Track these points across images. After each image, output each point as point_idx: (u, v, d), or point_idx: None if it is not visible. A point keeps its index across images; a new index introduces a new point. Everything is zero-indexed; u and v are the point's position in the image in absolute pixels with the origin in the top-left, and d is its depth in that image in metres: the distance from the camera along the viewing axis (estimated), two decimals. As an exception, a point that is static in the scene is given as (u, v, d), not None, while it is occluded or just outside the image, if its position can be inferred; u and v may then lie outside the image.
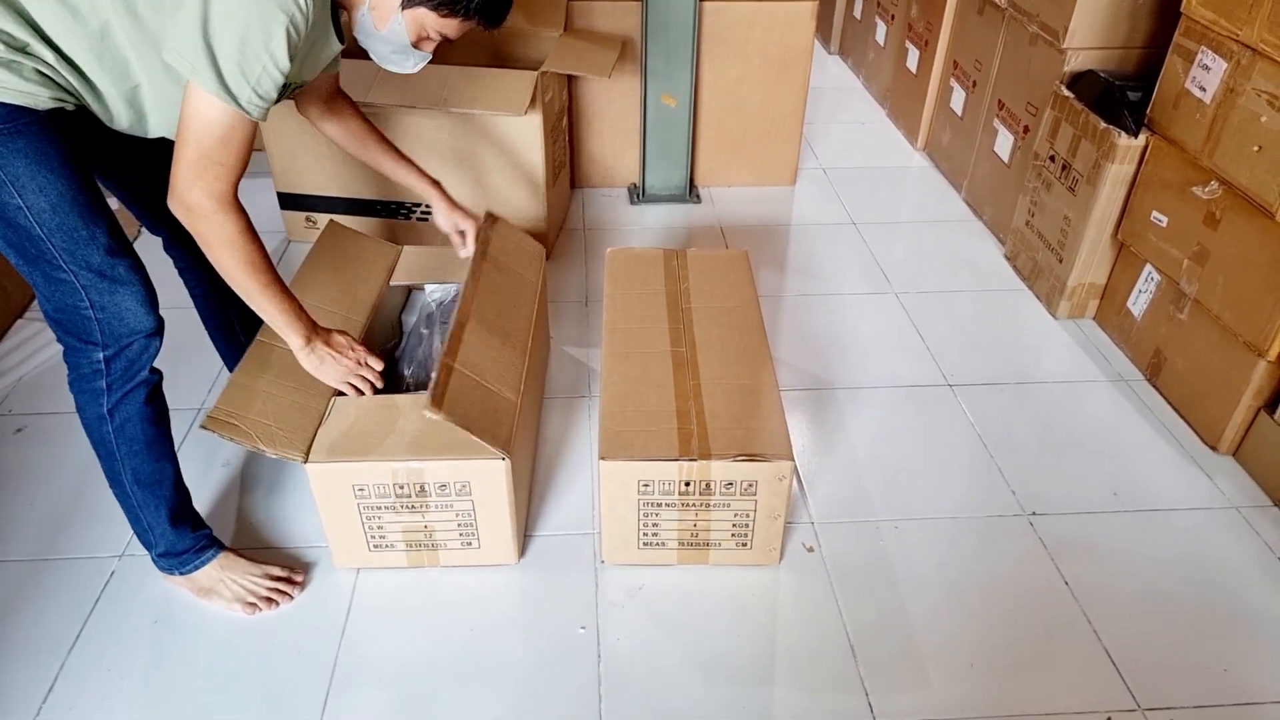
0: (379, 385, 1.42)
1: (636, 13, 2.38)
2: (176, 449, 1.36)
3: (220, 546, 1.41)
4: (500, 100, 2.04)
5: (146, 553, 1.40)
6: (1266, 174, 1.57)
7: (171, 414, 1.34)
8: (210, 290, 1.57)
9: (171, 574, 1.40)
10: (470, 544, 1.45)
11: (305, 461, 1.34)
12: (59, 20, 1.08)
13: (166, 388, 1.32)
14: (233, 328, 1.65)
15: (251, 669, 1.32)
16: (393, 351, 1.73)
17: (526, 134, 2.12)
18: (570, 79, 2.48)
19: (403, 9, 1.19)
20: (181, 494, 1.37)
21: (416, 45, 1.25)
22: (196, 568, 1.39)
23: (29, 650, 1.34)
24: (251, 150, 1.16)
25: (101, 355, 1.21)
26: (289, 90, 1.26)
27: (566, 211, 2.57)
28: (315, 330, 1.32)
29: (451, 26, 1.22)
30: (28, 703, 1.27)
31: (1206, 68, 1.71)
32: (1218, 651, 1.36)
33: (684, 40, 2.39)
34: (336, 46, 1.26)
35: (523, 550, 1.51)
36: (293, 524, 1.56)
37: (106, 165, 1.34)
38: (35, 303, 2.13)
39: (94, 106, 1.17)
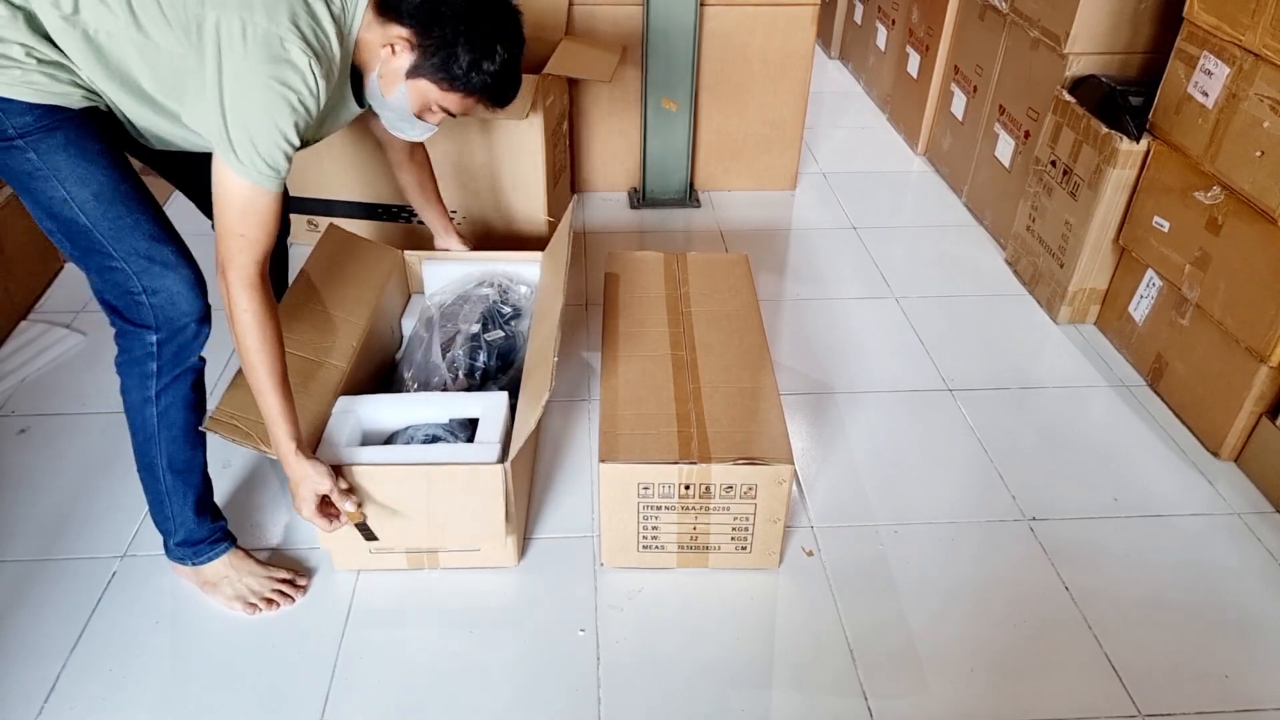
0: (352, 520, 1.34)
1: (637, 17, 2.39)
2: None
3: (232, 541, 1.42)
4: (502, 104, 2.04)
5: (161, 540, 1.40)
6: (1269, 179, 1.57)
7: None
8: None
9: (183, 563, 1.40)
10: (470, 546, 1.45)
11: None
12: (84, 58, 1.12)
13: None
14: None
15: (252, 670, 1.32)
16: (393, 355, 1.73)
17: (527, 138, 2.12)
18: (571, 83, 2.49)
19: (407, 78, 1.21)
20: (208, 484, 1.39)
21: (420, 116, 1.26)
22: (209, 559, 1.40)
23: (31, 650, 1.34)
24: (277, 225, 1.18)
25: (155, 339, 1.23)
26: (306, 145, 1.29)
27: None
28: (303, 446, 1.26)
29: (453, 102, 1.24)
30: (29, 703, 1.27)
31: (1209, 73, 1.71)
32: (1219, 657, 1.36)
33: (685, 44, 2.39)
34: (355, 110, 1.28)
35: (522, 553, 1.51)
36: (293, 527, 1.56)
37: (155, 159, 1.37)
38: (38, 304, 2.13)
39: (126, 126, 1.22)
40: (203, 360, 1.30)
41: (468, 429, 1.48)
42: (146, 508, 1.39)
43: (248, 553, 1.44)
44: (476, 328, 1.68)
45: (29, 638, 1.36)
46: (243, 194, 1.12)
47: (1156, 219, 1.86)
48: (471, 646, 1.36)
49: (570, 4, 2.36)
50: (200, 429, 1.32)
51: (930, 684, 1.32)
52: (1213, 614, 1.43)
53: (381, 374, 1.73)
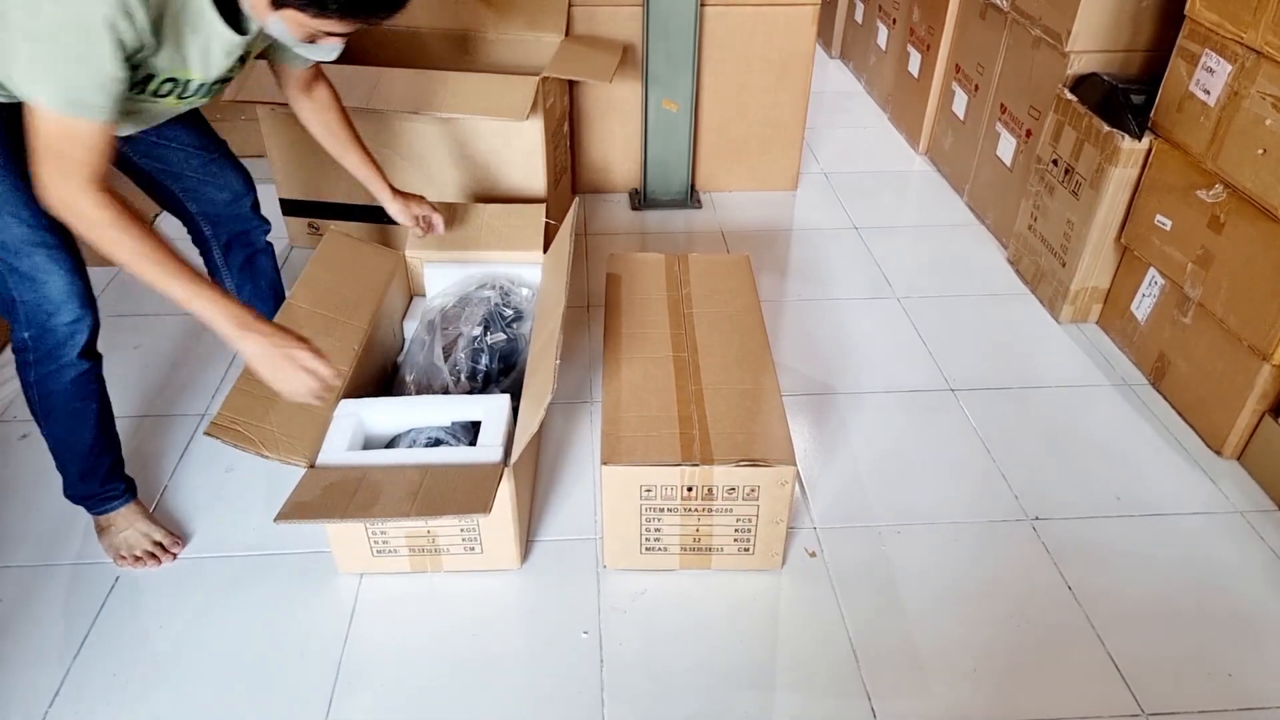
0: (331, 385, 1.27)
1: (638, 18, 2.38)
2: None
3: (127, 500, 1.49)
4: (501, 105, 2.04)
5: None
6: (1271, 177, 1.56)
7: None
8: (238, 282, 1.64)
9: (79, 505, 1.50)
10: (473, 549, 1.45)
11: (310, 467, 1.34)
12: None
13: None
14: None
15: (255, 674, 1.32)
16: (395, 358, 1.73)
17: (528, 139, 2.12)
18: (571, 84, 2.49)
19: (273, 9, 1.12)
20: (94, 457, 1.43)
21: (311, 41, 1.19)
22: (102, 512, 1.48)
23: (34, 655, 1.34)
24: (107, 154, 1.11)
25: (26, 335, 1.29)
26: (197, 88, 1.22)
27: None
28: (253, 321, 1.19)
29: (332, 24, 1.14)
30: (34, 708, 1.27)
31: (1211, 70, 1.70)
32: (1222, 656, 1.36)
33: (685, 45, 2.39)
34: (230, 35, 1.18)
35: (525, 555, 1.51)
36: (295, 529, 1.56)
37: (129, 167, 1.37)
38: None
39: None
40: (89, 360, 1.34)
41: (470, 432, 1.48)
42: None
43: (144, 512, 1.51)
44: (478, 330, 1.68)
45: (33, 643, 1.36)
46: (58, 125, 1.06)
47: (1158, 217, 1.86)
48: (474, 649, 1.36)
49: (570, 4, 2.36)
50: (84, 415, 1.37)
51: (933, 684, 1.31)
52: (1216, 613, 1.43)
53: (383, 377, 1.73)
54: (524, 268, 1.83)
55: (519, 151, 2.14)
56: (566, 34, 2.37)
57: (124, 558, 1.48)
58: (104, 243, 1.11)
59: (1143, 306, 1.95)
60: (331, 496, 1.31)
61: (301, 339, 1.22)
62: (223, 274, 1.63)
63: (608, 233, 2.51)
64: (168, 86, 1.19)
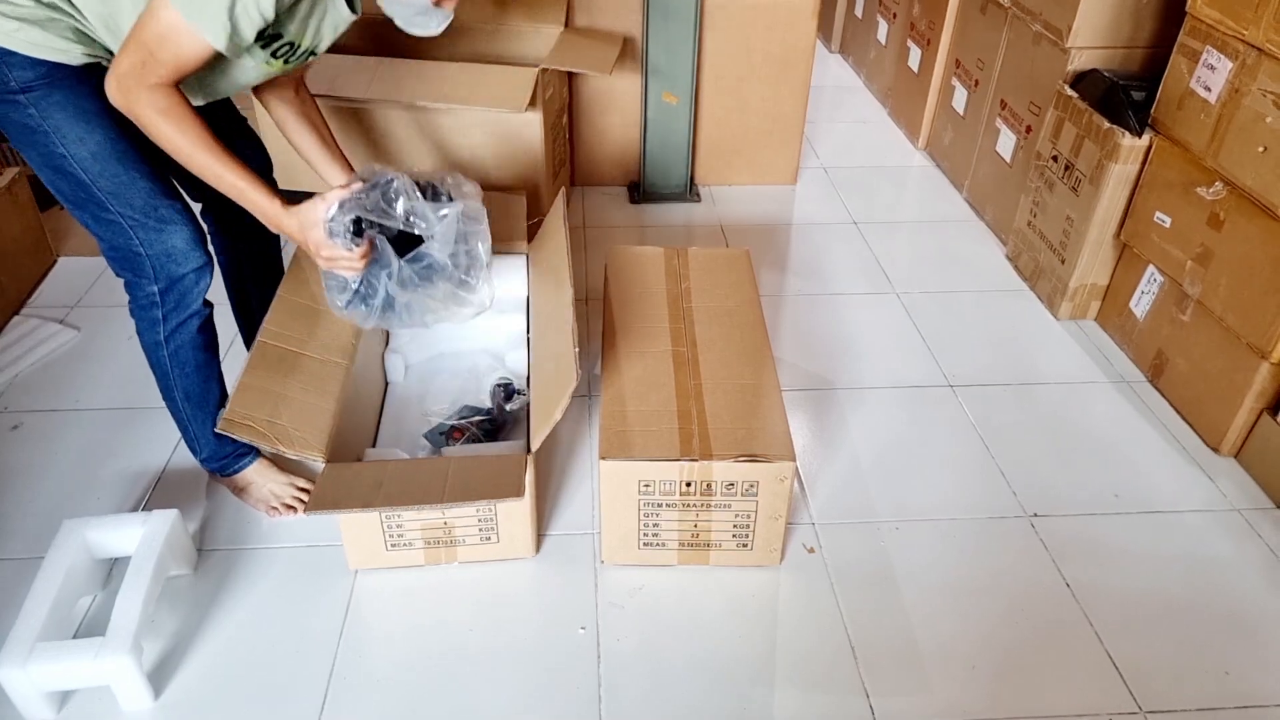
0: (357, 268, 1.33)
1: (638, 10, 2.37)
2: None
3: (257, 454, 1.54)
4: (500, 97, 2.03)
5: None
6: (1272, 175, 1.56)
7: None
8: (232, 263, 1.64)
9: (215, 474, 1.56)
10: (489, 538, 1.44)
11: (326, 461, 1.33)
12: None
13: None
14: (249, 305, 1.70)
15: (253, 663, 1.31)
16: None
17: (527, 131, 2.11)
18: (571, 76, 2.47)
19: None
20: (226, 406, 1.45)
21: (438, 4, 1.24)
22: (236, 470, 1.53)
23: (25, 649, 1.33)
24: (192, 68, 1.14)
25: (155, 289, 1.32)
26: (298, 55, 1.25)
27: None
28: (287, 219, 1.27)
29: None
30: (23, 702, 1.26)
31: (1212, 67, 1.70)
32: (1220, 654, 1.36)
33: (685, 38, 2.38)
34: (347, 15, 1.25)
35: (538, 546, 1.50)
36: (299, 521, 1.55)
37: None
38: (32, 299, 2.12)
39: None
40: (209, 305, 1.39)
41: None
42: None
43: (273, 460, 1.56)
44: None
45: (25, 635, 1.35)
46: (170, 26, 1.08)
47: (1158, 215, 1.86)
48: (471, 645, 1.35)
49: (569, -4, 2.35)
50: (211, 365, 1.43)
51: (931, 681, 1.31)
52: (1213, 610, 1.43)
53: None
54: (506, 259, 1.81)
55: (518, 143, 2.13)
56: (566, 25, 2.35)
57: (275, 509, 1.53)
58: (165, 134, 1.15)
59: (1141, 304, 1.95)
60: (357, 488, 1.31)
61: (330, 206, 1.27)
62: (230, 253, 1.63)
63: (606, 226, 2.50)
64: (285, 50, 1.23)
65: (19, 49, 1.14)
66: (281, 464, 1.57)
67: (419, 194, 1.34)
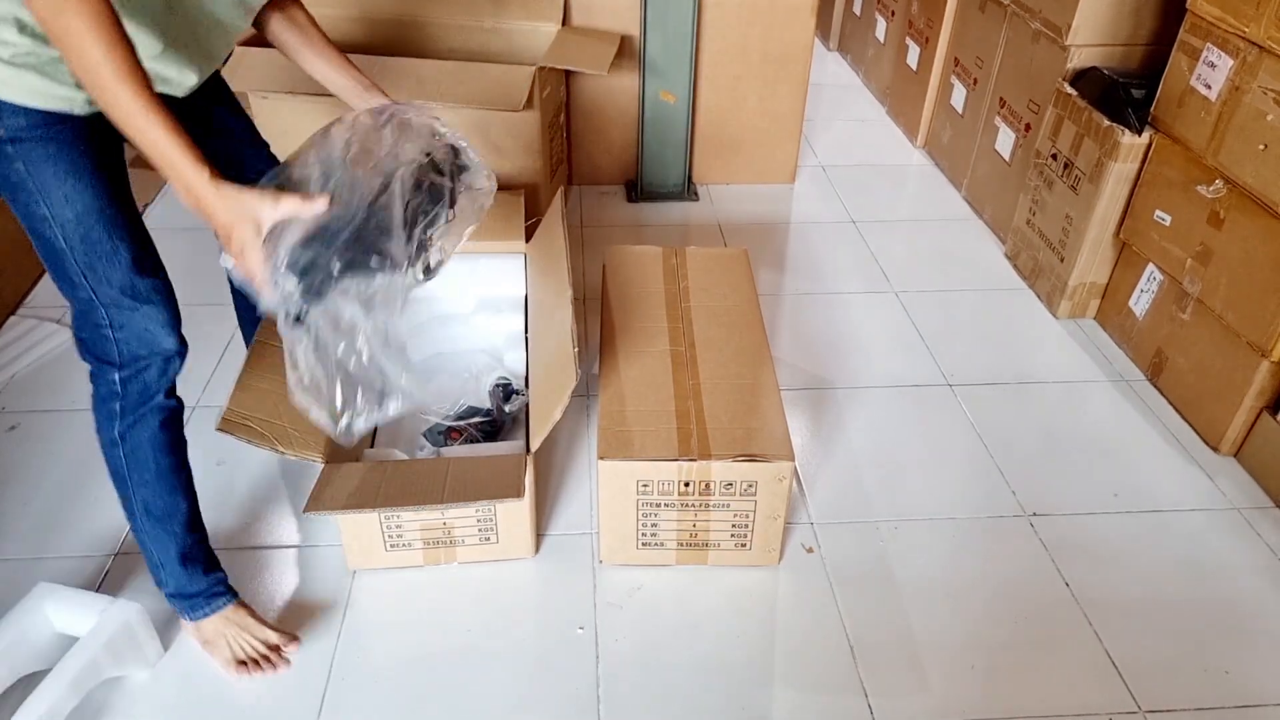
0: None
1: (635, 8, 2.36)
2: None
3: (232, 595, 1.31)
4: (498, 95, 2.02)
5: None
6: (1272, 173, 1.56)
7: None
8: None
9: (182, 618, 1.31)
10: (489, 539, 1.43)
11: (325, 462, 1.33)
12: None
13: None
14: (249, 303, 1.63)
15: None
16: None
17: (524, 129, 2.10)
18: (568, 74, 2.46)
19: None
20: (196, 531, 1.28)
21: None
22: (205, 615, 1.29)
23: (21, 651, 1.32)
24: None
25: (117, 376, 1.16)
26: None
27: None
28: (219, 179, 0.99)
29: None
30: (20, 704, 1.25)
31: (1212, 65, 1.70)
32: (1219, 653, 1.36)
33: (683, 36, 2.37)
34: None
35: (538, 546, 1.50)
36: (299, 521, 1.55)
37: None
38: (27, 299, 2.11)
39: (160, 80, 1.07)
40: (175, 399, 1.21)
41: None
42: None
43: (248, 609, 1.32)
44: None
45: (22, 637, 1.34)
46: None
47: (1158, 213, 1.85)
48: (469, 645, 1.35)
49: (567, -6, 2.34)
50: (177, 474, 1.23)
51: (930, 681, 1.31)
52: (1213, 609, 1.42)
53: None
54: (504, 258, 1.81)
55: (516, 142, 2.13)
56: (563, 24, 2.35)
57: (244, 664, 1.28)
58: (90, 59, 0.90)
59: (1141, 302, 1.95)
60: (358, 488, 1.31)
61: (280, 201, 1.00)
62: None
63: (603, 225, 2.50)
64: None
65: (10, 98, 1.00)
66: (256, 614, 1.33)
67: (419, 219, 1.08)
